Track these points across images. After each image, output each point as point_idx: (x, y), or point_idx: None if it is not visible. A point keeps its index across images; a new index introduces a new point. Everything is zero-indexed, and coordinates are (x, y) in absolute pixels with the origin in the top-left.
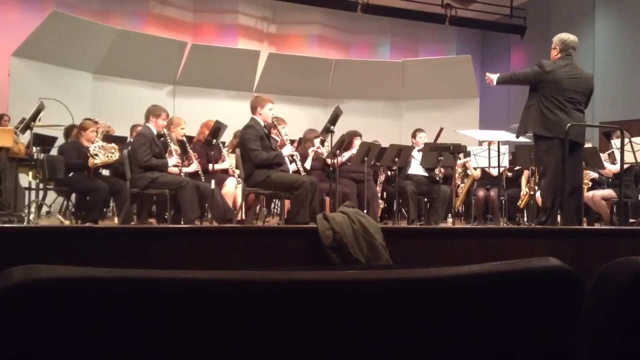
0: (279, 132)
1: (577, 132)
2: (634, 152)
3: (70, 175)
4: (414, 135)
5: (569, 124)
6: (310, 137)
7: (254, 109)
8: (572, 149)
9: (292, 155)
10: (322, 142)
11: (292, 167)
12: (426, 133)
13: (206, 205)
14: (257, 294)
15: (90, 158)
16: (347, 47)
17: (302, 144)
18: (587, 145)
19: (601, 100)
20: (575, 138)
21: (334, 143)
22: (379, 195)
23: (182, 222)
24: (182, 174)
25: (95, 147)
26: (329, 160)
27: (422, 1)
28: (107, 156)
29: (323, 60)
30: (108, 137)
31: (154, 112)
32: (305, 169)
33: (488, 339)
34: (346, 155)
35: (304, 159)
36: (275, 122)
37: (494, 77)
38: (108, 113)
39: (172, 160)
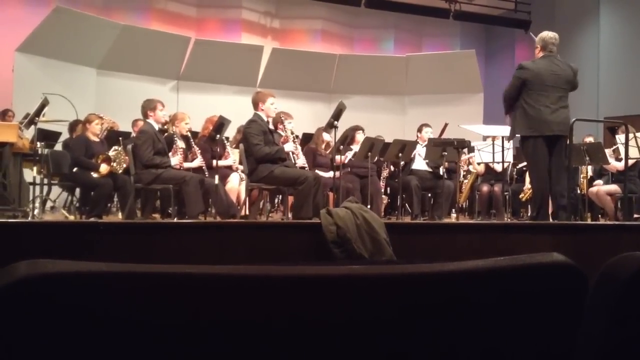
0: (285, 127)
1: (562, 125)
2: (638, 147)
3: (74, 170)
4: (419, 130)
5: (573, 119)
6: (322, 134)
7: (255, 105)
8: (557, 142)
9: (293, 152)
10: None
11: (300, 162)
12: (432, 128)
13: (210, 200)
14: (261, 289)
15: (104, 164)
16: (350, 42)
17: (315, 138)
18: (589, 139)
19: (606, 95)
20: (560, 132)
21: (337, 139)
22: (383, 190)
23: (186, 217)
24: (182, 169)
25: (114, 152)
26: (337, 157)
27: None
28: (117, 165)
29: (327, 55)
30: (112, 133)
31: (149, 106)
32: (317, 162)
33: (491, 334)
34: (349, 154)
35: (314, 153)
36: (283, 117)
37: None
38: (112, 108)
39: (175, 159)
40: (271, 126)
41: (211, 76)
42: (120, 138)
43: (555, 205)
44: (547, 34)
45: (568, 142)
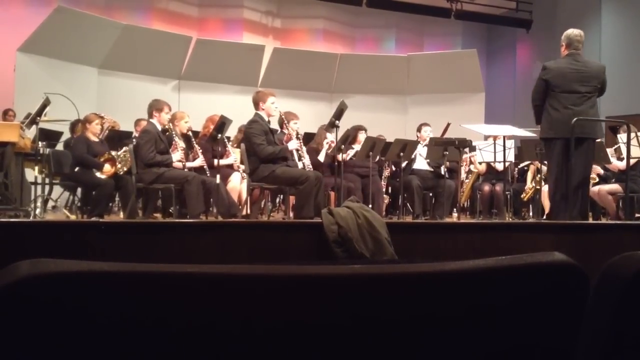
0: (287, 126)
1: (584, 127)
2: None
3: (76, 170)
4: (419, 130)
5: (574, 119)
6: (324, 133)
7: (256, 105)
8: (579, 144)
9: (297, 150)
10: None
11: (301, 165)
12: (431, 127)
13: (211, 200)
14: (262, 289)
15: (108, 164)
16: (352, 42)
17: (317, 137)
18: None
19: (607, 94)
20: (582, 134)
21: (339, 138)
22: (384, 190)
23: (187, 217)
24: (185, 169)
25: (120, 155)
26: (339, 156)
27: None
28: (120, 166)
29: (328, 54)
30: (113, 133)
31: (156, 106)
32: (318, 161)
33: (492, 334)
34: (351, 153)
35: (317, 152)
36: (283, 117)
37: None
38: (113, 108)
39: (176, 155)
40: (272, 126)
41: (212, 76)
42: (133, 139)
43: (571, 210)
44: (572, 32)
45: (589, 143)
